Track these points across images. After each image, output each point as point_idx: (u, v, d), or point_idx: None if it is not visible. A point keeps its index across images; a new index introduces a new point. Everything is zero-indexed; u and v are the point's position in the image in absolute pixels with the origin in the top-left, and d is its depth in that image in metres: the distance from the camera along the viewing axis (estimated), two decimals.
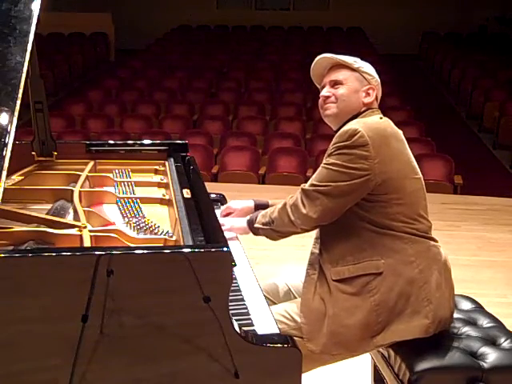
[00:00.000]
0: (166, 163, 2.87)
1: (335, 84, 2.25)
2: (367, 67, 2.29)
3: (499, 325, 2.30)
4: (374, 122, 2.14)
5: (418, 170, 2.21)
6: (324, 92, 2.29)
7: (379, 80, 2.30)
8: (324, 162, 2.14)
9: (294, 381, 1.79)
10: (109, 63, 14.24)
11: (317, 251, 2.21)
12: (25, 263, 1.63)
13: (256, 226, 2.29)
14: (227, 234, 2.39)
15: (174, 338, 1.70)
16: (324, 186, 2.09)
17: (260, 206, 2.52)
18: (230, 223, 2.44)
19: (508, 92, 9.84)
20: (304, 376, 1.85)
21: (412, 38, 15.26)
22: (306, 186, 2.15)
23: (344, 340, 2.08)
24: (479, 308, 2.44)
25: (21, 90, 1.91)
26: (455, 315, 2.32)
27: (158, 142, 3.13)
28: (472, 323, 2.30)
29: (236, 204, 2.59)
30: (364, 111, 2.22)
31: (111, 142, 3.08)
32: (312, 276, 2.17)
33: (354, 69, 2.25)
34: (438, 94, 12.37)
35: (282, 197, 2.28)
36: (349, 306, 2.06)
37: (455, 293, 2.38)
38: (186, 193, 2.32)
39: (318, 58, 2.31)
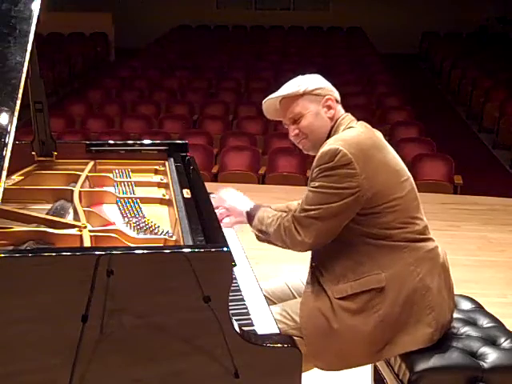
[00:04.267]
0: (166, 163, 2.87)
1: (295, 119, 2.21)
2: (312, 82, 2.21)
3: (499, 325, 2.30)
4: (353, 137, 2.08)
5: (406, 170, 2.17)
6: (290, 132, 2.25)
7: (328, 82, 2.25)
8: (310, 185, 2.09)
9: (294, 381, 1.79)
10: (109, 63, 14.24)
11: (315, 270, 2.17)
12: (25, 263, 1.64)
13: (252, 229, 2.26)
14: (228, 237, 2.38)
15: (174, 338, 1.70)
16: (315, 209, 2.04)
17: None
18: (233, 204, 2.37)
19: (508, 92, 9.83)
20: (304, 376, 1.85)
21: (412, 38, 15.27)
22: (297, 212, 2.09)
23: (350, 357, 2.08)
24: (479, 308, 2.44)
25: (21, 90, 1.91)
26: (455, 315, 2.32)
27: (158, 142, 3.13)
28: (472, 323, 2.30)
29: (231, 201, 2.44)
30: (334, 124, 2.18)
31: (111, 141, 3.08)
32: (311, 293, 2.14)
33: (302, 94, 2.19)
34: (438, 94, 12.37)
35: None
36: (353, 324, 2.04)
37: (456, 293, 2.38)
38: (186, 193, 2.32)
39: (264, 102, 2.27)
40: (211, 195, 2.52)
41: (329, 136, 2.16)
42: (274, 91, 2.27)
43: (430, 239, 2.16)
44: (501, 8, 15.54)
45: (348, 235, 2.08)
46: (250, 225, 2.28)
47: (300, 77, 2.25)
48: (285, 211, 2.30)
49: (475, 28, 15.50)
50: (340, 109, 2.23)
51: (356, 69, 11.37)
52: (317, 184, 2.06)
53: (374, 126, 2.22)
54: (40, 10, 2.07)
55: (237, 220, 2.38)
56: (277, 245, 2.20)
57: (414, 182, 2.19)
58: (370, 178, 2.02)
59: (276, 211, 2.24)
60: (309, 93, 2.19)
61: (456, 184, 6.39)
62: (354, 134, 2.11)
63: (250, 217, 2.28)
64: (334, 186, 2.02)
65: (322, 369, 2.10)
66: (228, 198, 2.40)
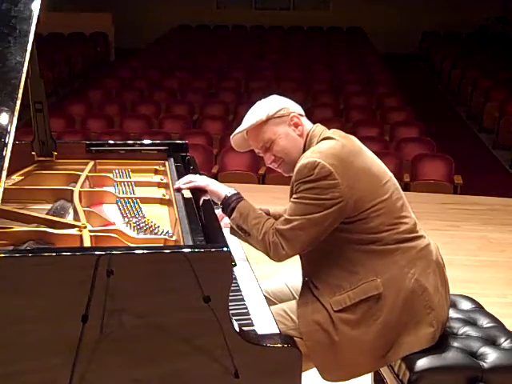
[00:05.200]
0: (166, 163, 2.87)
1: (267, 147, 2.20)
2: (272, 106, 2.20)
3: (499, 325, 2.30)
4: (329, 148, 2.07)
5: (386, 171, 2.16)
6: (267, 160, 2.24)
7: (287, 99, 2.24)
8: (293, 197, 2.08)
9: (294, 381, 1.79)
10: (109, 63, 14.25)
11: (308, 284, 2.16)
12: (25, 263, 1.64)
13: (231, 222, 2.20)
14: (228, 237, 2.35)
15: (174, 338, 1.70)
16: (298, 219, 2.03)
17: None
18: (208, 182, 2.31)
19: (508, 92, 9.82)
20: (304, 375, 1.85)
21: (412, 38, 15.27)
22: (280, 225, 2.07)
23: (356, 367, 2.08)
24: (479, 308, 2.44)
25: (21, 90, 1.91)
26: (455, 315, 2.32)
27: (158, 142, 3.13)
28: (472, 323, 2.30)
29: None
30: (306, 138, 2.18)
31: (111, 141, 3.08)
32: (307, 306, 2.12)
33: (266, 120, 2.18)
34: (438, 94, 12.37)
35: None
36: (355, 336, 2.04)
37: (456, 293, 2.38)
38: (186, 193, 2.32)
39: (232, 138, 2.27)
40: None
41: (304, 151, 2.16)
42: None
43: (420, 237, 2.15)
44: (501, 8, 15.55)
45: (338, 245, 2.08)
46: (225, 212, 2.23)
47: (258, 103, 2.25)
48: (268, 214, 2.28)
49: (475, 28, 15.50)
50: (306, 122, 2.23)
51: (356, 69, 11.37)
52: (299, 195, 2.05)
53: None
54: (40, 9, 2.07)
55: (212, 196, 2.30)
56: (254, 246, 2.17)
57: (396, 182, 2.18)
58: (351, 185, 2.02)
59: (259, 211, 2.19)
60: (272, 117, 2.18)
61: (456, 184, 6.39)
62: (329, 144, 2.09)
63: (227, 203, 2.21)
64: (317, 197, 2.01)
65: (329, 380, 2.10)
66: (211, 182, 2.33)
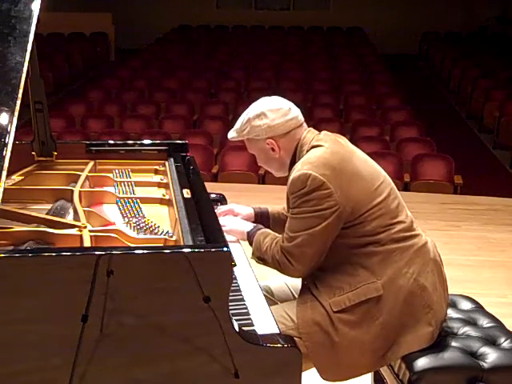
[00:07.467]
0: (166, 163, 2.87)
1: (254, 154, 2.33)
2: (252, 126, 2.20)
3: (499, 325, 2.30)
4: (319, 157, 2.08)
5: (380, 171, 2.17)
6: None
7: (271, 109, 2.18)
8: (291, 213, 2.11)
9: (294, 381, 1.79)
10: (109, 63, 14.25)
11: (308, 285, 2.17)
12: (25, 263, 1.64)
13: (252, 250, 2.28)
14: (228, 237, 2.37)
15: (174, 338, 1.70)
16: (300, 236, 2.05)
17: (260, 214, 2.52)
18: (231, 225, 2.41)
19: (508, 92, 9.82)
20: (304, 375, 1.85)
21: (412, 38, 15.27)
22: (284, 243, 2.10)
23: (356, 367, 2.09)
24: (479, 308, 2.44)
25: (21, 90, 1.91)
26: (455, 315, 2.32)
27: (158, 142, 3.13)
28: (472, 323, 2.30)
29: (239, 209, 2.55)
30: (297, 146, 2.19)
31: (111, 141, 3.08)
32: (306, 306, 2.12)
33: (246, 137, 2.25)
34: (438, 94, 12.37)
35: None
36: (355, 336, 2.04)
37: (456, 293, 2.38)
38: (186, 193, 2.32)
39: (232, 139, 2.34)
40: (218, 208, 2.57)
41: (294, 158, 2.19)
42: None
43: (417, 235, 2.16)
44: (501, 8, 15.55)
45: (337, 250, 2.09)
46: (250, 243, 2.32)
47: (246, 113, 2.25)
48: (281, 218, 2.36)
49: (475, 28, 15.50)
50: (297, 130, 2.20)
51: (356, 69, 11.37)
52: (297, 210, 2.07)
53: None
54: (40, 9, 2.07)
55: (238, 236, 2.42)
56: (275, 269, 2.21)
57: (391, 181, 2.19)
58: (345, 192, 2.03)
59: (270, 233, 2.26)
60: (250, 138, 2.25)
61: (456, 184, 6.39)
62: (319, 153, 2.10)
63: (249, 239, 2.32)
64: (314, 209, 2.03)
65: (329, 380, 2.11)
66: (227, 223, 2.42)
